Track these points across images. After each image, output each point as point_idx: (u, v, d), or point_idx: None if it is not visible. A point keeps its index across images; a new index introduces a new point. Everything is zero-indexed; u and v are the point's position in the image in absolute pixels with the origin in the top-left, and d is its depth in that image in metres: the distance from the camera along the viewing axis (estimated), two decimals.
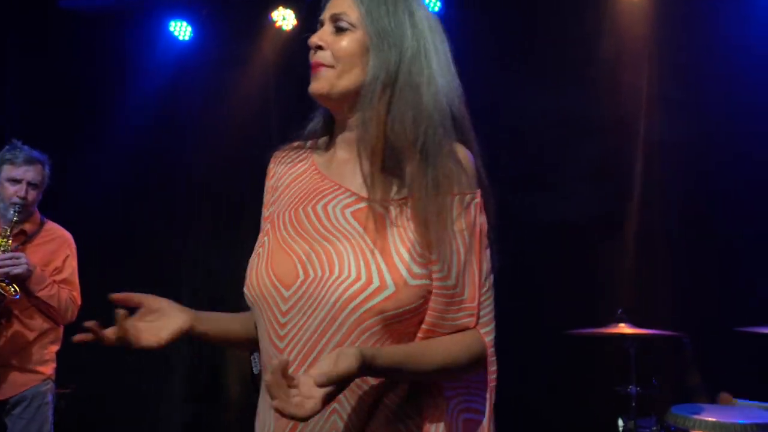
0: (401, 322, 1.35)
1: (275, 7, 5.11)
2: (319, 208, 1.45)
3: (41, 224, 3.55)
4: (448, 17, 5.03)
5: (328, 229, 1.41)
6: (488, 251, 1.44)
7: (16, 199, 3.38)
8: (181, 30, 5.42)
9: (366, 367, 1.23)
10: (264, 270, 1.42)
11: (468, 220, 1.40)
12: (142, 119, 5.31)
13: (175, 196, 5.37)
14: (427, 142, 1.39)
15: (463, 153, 1.44)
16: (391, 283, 1.32)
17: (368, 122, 1.42)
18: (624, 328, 3.73)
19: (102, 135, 5.30)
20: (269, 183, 1.58)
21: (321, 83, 1.45)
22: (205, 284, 5.28)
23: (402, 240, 1.36)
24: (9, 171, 3.42)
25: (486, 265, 1.43)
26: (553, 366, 4.52)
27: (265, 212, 1.55)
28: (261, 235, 1.51)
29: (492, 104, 4.87)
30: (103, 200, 5.21)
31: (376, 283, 1.32)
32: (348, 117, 1.49)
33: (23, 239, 3.48)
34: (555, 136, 4.77)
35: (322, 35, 1.46)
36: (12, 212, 3.36)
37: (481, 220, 1.43)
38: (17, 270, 3.27)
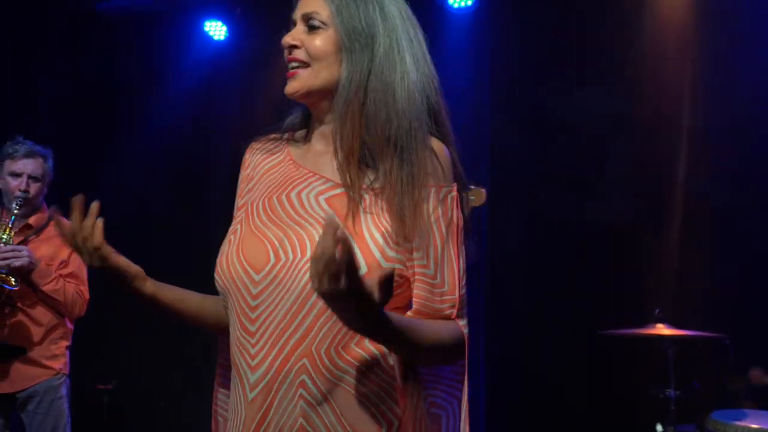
0: None
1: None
2: (293, 195, 1.46)
3: (49, 219, 3.56)
4: (485, 10, 4.95)
5: (301, 215, 1.42)
6: (464, 247, 1.45)
7: (18, 193, 3.40)
8: (216, 30, 5.44)
9: (381, 315, 1.22)
10: (234, 255, 1.42)
11: (445, 212, 1.41)
12: (178, 119, 5.34)
13: (210, 195, 5.38)
14: (402, 139, 1.40)
15: (438, 147, 1.45)
16: (363, 264, 1.32)
17: (344, 122, 1.43)
18: (662, 329, 3.61)
19: (138, 134, 5.34)
20: (244, 173, 1.58)
21: (298, 83, 1.47)
22: None
23: (375, 224, 1.37)
24: (10, 165, 3.46)
25: (463, 260, 1.43)
26: (589, 367, 4.40)
27: (239, 201, 1.56)
28: (234, 223, 1.51)
29: (531, 102, 4.79)
30: (138, 198, 5.24)
31: None
32: (324, 113, 1.51)
33: (29, 233, 3.50)
34: (594, 133, 4.66)
35: (296, 34, 1.47)
36: (14, 205, 3.38)
37: (458, 215, 1.43)
38: (18, 262, 3.28)
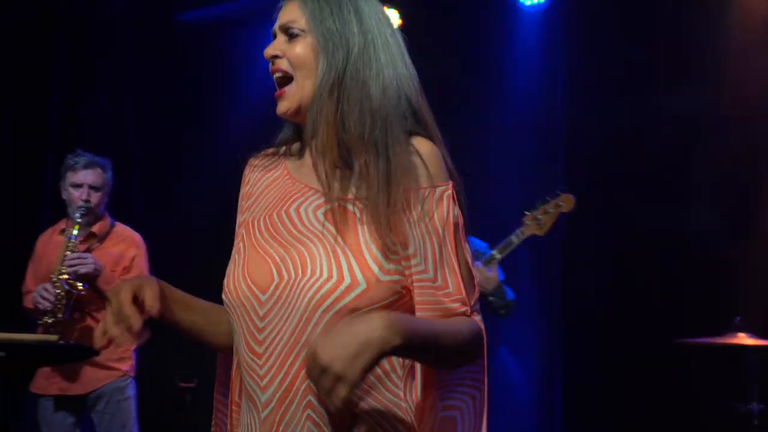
0: None
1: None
2: (291, 211, 1.45)
3: (111, 227, 3.73)
4: (557, 7, 4.84)
5: (301, 231, 1.42)
6: (465, 244, 1.44)
7: (80, 203, 3.55)
8: None
9: (401, 331, 1.21)
10: (240, 275, 1.43)
11: (440, 212, 1.39)
12: (254, 128, 5.37)
13: None
14: (376, 135, 1.40)
15: (426, 146, 1.44)
16: (362, 279, 1.33)
17: (318, 123, 1.44)
18: (744, 338, 3.43)
19: (216, 141, 5.42)
20: (244, 190, 1.59)
21: (287, 101, 1.48)
22: None
23: (372, 236, 1.37)
24: (71, 177, 3.62)
25: (465, 258, 1.42)
26: (665, 378, 4.22)
27: (240, 218, 1.56)
28: (236, 241, 1.51)
29: (606, 104, 4.65)
30: (218, 204, 5.32)
31: (347, 281, 1.33)
32: None
33: (93, 241, 3.66)
34: (675, 136, 4.48)
35: (276, 45, 1.49)
36: (77, 215, 3.53)
37: (455, 212, 1.41)
38: (84, 269, 3.42)
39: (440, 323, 1.34)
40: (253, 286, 1.40)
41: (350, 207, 1.40)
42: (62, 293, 3.41)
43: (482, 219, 4.54)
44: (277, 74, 1.47)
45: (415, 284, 1.37)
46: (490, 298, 3.69)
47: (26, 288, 3.68)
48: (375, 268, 1.34)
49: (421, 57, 4.71)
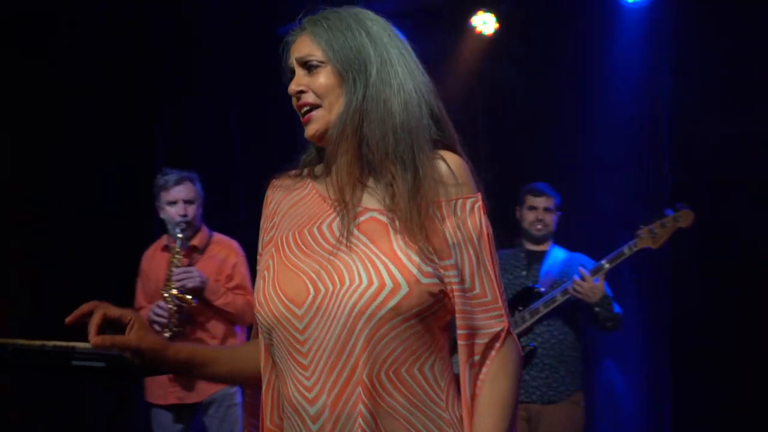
0: (420, 324, 1.39)
1: (474, 12, 5.00)
2: (324, 227, 1.47)
3: (209, 237, 3.81)
4: (661, 5, 4.63)
5: (334, 245, 1.43)
6: (496, 255, 1.48)
7: (178, 218, 3.66)
8: None
9: None
10: (272, 291, 1.44)
11: (474, 223, 1.44)
12: None
13: None
14: (401, 150, 1.43)
15: (453, 159, 1.47)
16: (403, 282, 1.36)
17: (340, 144, 1.46)
18: None
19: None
20: (267, 210, 1.60)
21: (316, 124, 1.49)
22: None
23: (407, 243, 1.39)
24: (165, 196, 3.73)
25: (498, 268, 1.47)
26: None
27: (265, 238, 1.57)
28: (265, 258, 1.53)
29: (714, 105, 4.42)
30: None
31: (389, 284, 1.36)
32: None
33: (195, 254, 3.76)
34: None
35: (299, 81, 1.50)
36: (178, 231, 3.64)
37: (487, 223, 1.46)
38: (191, 283, 3.56)
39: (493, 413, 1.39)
40: (287, 302, 1.41)
41: (381, 217, 1.43)
42: (174, 308, 3.55)
43: (585, 223, 4.49)
44: (305, 108, 1.49)
45: (455, 294, 1.40)
46: (596, 309, 3.61)
47: (138, 305, 3.82)
48: (415, 270, 1.37)
49: (518, 60, 4.64)
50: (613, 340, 4.17)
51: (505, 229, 3.92)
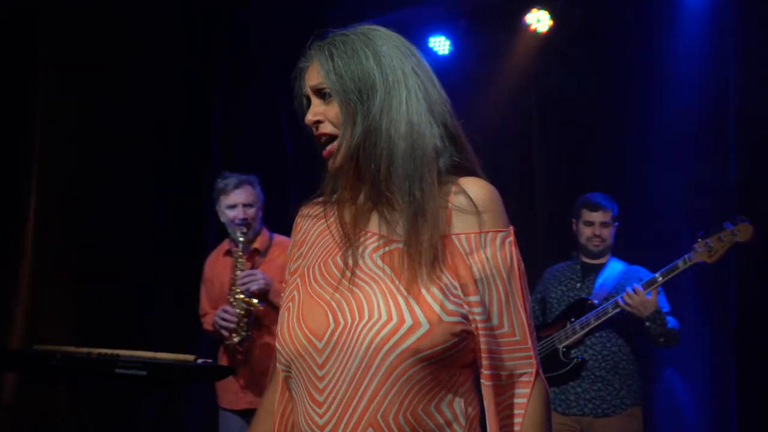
0: (440, 363, 1.32)
1: (528, 10, 4.88)
2: (341, 256, 1.43)
3: (270, 239, 3.79)
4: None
5: (357, 275, 1.38)
6: (528, 292, 1.42)
7: (238, 222, 3.65)
8: (441, 45, 5.37)
9: None
10: (296, 323, 1.39)
11: (504, 258, 1.38)
12: None
13: None
14: (403, 183, 1.37)
15: (477, 187, 1.41)
16: (424, 320, 1.30)
17: (347, 175, 1.42)
18: None
19: None
20: (296, 238, 1.57)
21: (341, 157, 1.43)
22: None
23: (431, 278, 1.33)
24: (224, 200, 3.72)
25: (529, 307, 1.42)
26: None
27: (291, 266, 1.54)
28: (290, 288, 1.48)
29: None
30: None
31: (408, 321, 1.29)
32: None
33: (257, 257, 3.75)
34: None
35: (315, 110, 1.45)
36: (239, 234, 3.62)
37: (518, 258, 1.40)
38: (255, 286, 3.53)
39: None
40: (309, 334, 1.35)
41: (406, 249, 1.36)
42: (241, 312, 3.55)
43: (644, 228, 4.33)
44: (324, 139, 1.45)
45: (480, 332, 1.34)
46: (647, 324, 3.50)
47: (203, 311, 3.84)
48: (437, 308, 1.30)
49: (573, 58, 4.48)
50: (675, 348, 4.00)
51: (559, 238, 3.81)
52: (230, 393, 3.70)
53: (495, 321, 1.36)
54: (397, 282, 1.33)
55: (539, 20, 4.88)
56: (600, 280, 3.71)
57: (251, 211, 3.70)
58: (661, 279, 3.50)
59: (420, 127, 1.38)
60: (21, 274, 4.19)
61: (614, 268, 3.74)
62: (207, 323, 3.73)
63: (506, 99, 5.04)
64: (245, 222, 3.65)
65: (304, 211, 1.57)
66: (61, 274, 4.35)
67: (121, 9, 4.52)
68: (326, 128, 1.44)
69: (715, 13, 4.45)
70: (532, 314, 1.45)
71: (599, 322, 3.55)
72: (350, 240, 1.40)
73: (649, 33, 4.62)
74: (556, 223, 4.32)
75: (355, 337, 1.31)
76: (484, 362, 1.34)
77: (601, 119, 4.74)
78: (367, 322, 1.30)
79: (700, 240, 3.49)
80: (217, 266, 3.82)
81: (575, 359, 3.57)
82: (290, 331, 1.38)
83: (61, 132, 4.39)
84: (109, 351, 3.10)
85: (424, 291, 1.31)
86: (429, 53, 5.42)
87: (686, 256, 3.49)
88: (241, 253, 3.62)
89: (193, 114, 5.06)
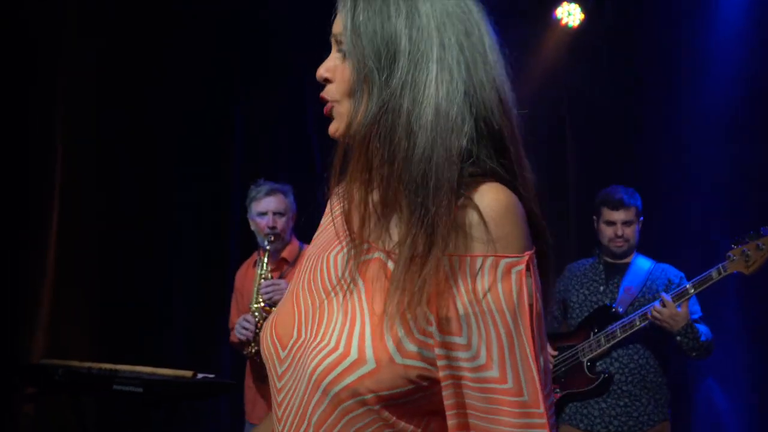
0: (394, 409, 1.07)
1: (559, 4, 4.69)
2: (331, 257, 1.21)
3: (300, 250, 3.69)
4: None
5: (332, 282, 1.17)
6: (543, 339, 1.07)
7: (267, 230, 3.57)
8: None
9: None
10: (270, 323, 1.22)
11: (507, 290, 1.04)
12: None
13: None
14: (413, 185, 1.07)
15: (495, 199, 1.08)
16: (371, 357, 1.05)
17: (351, 160, 1.15)
18: None
19: None
20: (323, 220, 1.35)
21: (337, 122, 1.20)
22: None
23: (401, 305, 1.05)
24: (255, 207, 3.64)
25: (542, 357, 1.07)
26: None
27: (308, 250, 1.33)
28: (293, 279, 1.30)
29: None
30: None
31: (353, 356, 1.06)
32: None
33: (285, 267, 3.66)
34: None
35: (329, 63, 1.20)
36: (266, 243, 3.56)
37: (527, 294, 1.05)
38: (278, 296, 3.45)
39: None
40: (276, 340, 1.18)
41: (388, 262, 1.11)
42: (260, 321, 3.48)
43: (678, 229, 4.11)
44: (327, 103, 1.21)
45: (467, 383, 1.05)
46: (678, 338, 3.23)
47: (231, 324, 3.76)
48: (391, 346, 1.05)
49: (605, 52, 4.27)
50: (714, 356, 3.78)
51: (594, 238, 3.61)
52: (261, 409, 3.60)
53: (495, 372, 1.03)
54: (364, 302, 1.10)
55: (570, 14, 4.70)
56: (625, 282, 3.44)
57: (281, 220, 3.62)
58: (692, 291, 3.21)
59: (448, 118, 1.08)
60: (43, 286, 4.19)
61: (640, 267, 3.46)
62: (233, 335, 3.67)
63: (536, 95, 4.87)
64: (274, 231, 3.58)
65: (335, 189, 1.24)
66: (83, 285, 4.34)
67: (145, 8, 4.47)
68: (328, 93, 1.20)
69: (753, 5, 4.20)
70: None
71: (626, 335, 3.31)
72: (340, 240, 1.18)
73: (684, 26, 4.41)
74: (590, 223, 4.13)
75: (306, 357, 1.11)
76: (451, 421, 1.06)
77: (634, 115, 4.54)
78: (318, 344, 1.10)
79: (734, 246, 3.18)
80: (247, 278, 3.75)
81: (602, 375, 3.34)
82: (264, 332, 1.23)
83: (82, 142, 4.36)
84: (109, 366, 3.06)
85: (386, 321, 1.07)
86: None
87: (720, 265, 3.18)
88: (266, 262, 3.55)
89: (215, 125, 4.99)
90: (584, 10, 4.66)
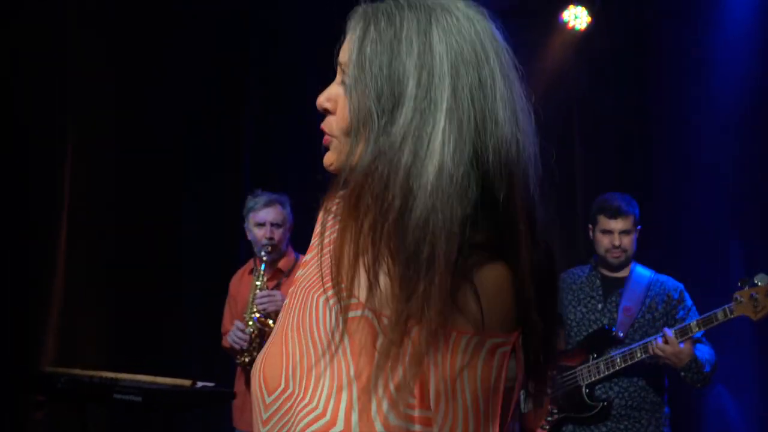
0: None
1: (566, 7, 4.66)
2: (321, 300, 1.11)
3: (296, 261, 3.71)
4: None
5: (320, 334, 1.09)
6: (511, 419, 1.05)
7: (264, 241, 3.59)
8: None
9: None
10: (260, 361, 1.15)
11: (486, 371, 0.99)
12: None
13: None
14: (407, 252, 0.98)
15: (492, 278, 1.00)
16: (356, 428, 1.02)
17: (347, 222, 1.06)
18: None
19: None
20: (314, 239, 1.21)
21: (328, 156, 1.13)
22: None
23: (386, 373, 1.01)
24: (253, 217, 3.67)
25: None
26: None
27: (299, 272, 1.21)
28: (286, 303, 1.20)
29: None
30: None
31: (339, 426, 1.02)
32: None
33: (281, 277, 3.69)
34: None
35: (331, 91, 1.12)
36: (263, 253, 3.58)
37: (512, 375, 1.02)
38: (273, 307, 3.49)
39: None
40: (263, 383, 1.11)
41: (375, 323, 1.04)
42: (255, 332, 3.52)
43: (686, 237, 4.07)
44: (323, 130, 1.14)
45: None
46: (682, 374, 3.17)
47: (224, 328, 3.80)
48: (378, 423, 1.01)
49: (613, 56, 4.24)
50: (724, 363, 3.74)
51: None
52: (247, 413, 3.64)
53: None
54: (350, 366, 1.04)
55: (577, 17, 4.65)
56: (624, 302, 3.34)
57: (279, 232, 3.65)
58: (696, 329, 3.10)
59: (452, 181, 0.98)
60: (53, 295, 4.22)
61: (639, 280, 3.37)
62: (225, 340, 3.70)
63: (543, 100, 4.83)
64: (271, 242, 3.60)
65: (329, 205, 1.14)
66: (93, 294, 4.36)
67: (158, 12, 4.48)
68: (327, 124, 1.12)
69: (761, 6, 4.16)
70: None
71: (626, 365, 3.21)
72: (326, 290, 1.09)
73: (691, 28, 4.36)
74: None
75: (293, 415, 1.07)
76: None
77: (643, 119, 4.50)
78: (306, 405, 1.06)
79: (741, 286, 3.07)
80: (241, 284, 3.79)
81: (601, 404, 3.26)
82: (255, 368, 1.15)
83: (92, 149, 4.39)
84: (110, 375, 3.10)
85: (372, 391, 1.02)
86: None
87: (726, 306, 3.07)
88: (263, 272, 3.57)
89: (224, 143, 4.99)
90: (591, 13, 4.61)
